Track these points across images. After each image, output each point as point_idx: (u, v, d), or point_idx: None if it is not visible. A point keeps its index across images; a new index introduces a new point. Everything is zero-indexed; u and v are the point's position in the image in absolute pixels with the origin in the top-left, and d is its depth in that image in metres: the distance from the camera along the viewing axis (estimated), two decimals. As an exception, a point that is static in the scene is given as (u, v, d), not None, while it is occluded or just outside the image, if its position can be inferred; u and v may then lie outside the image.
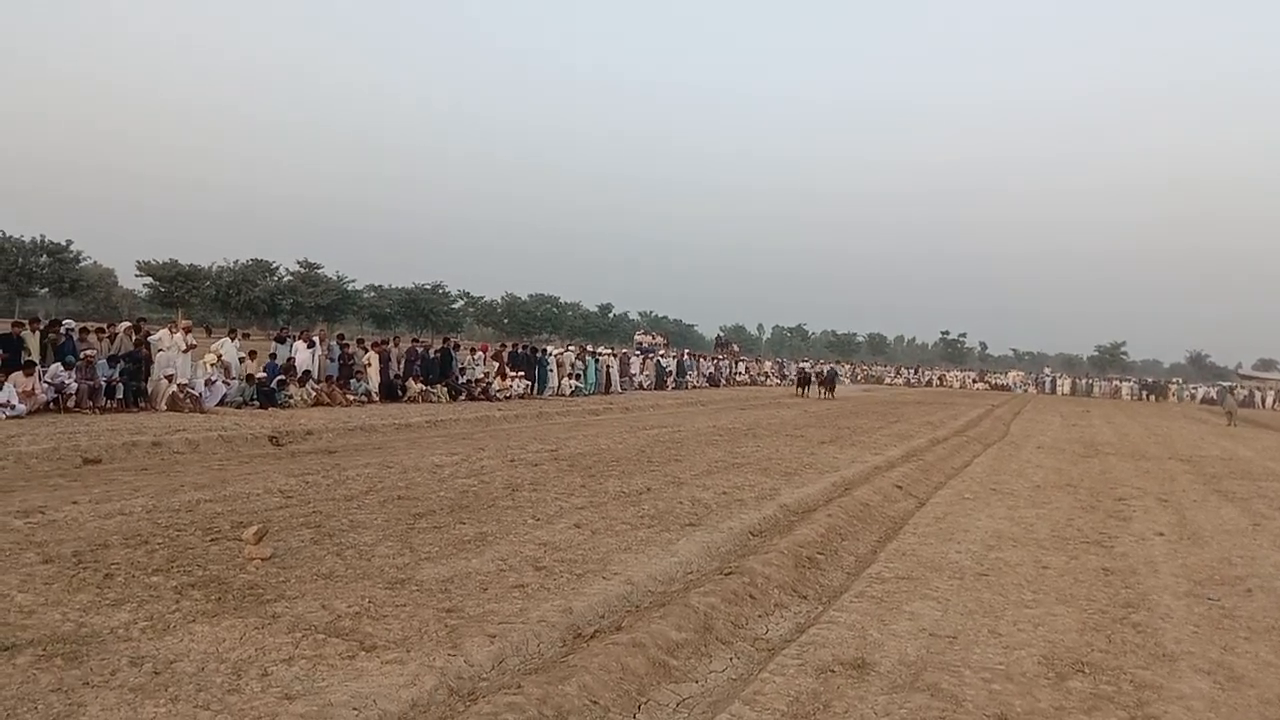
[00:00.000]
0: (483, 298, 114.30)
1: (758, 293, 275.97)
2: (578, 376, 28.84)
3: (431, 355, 23.09)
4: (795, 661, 5.11)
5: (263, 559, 6.18)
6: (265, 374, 18.00)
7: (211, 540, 6.70)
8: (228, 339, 18.89)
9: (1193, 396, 67.74)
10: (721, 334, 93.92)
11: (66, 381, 14.51)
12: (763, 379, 52.14)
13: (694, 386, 39.45)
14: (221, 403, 16.65)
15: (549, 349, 30.62)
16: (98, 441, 11.28)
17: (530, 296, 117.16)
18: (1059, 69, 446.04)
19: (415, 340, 24.20)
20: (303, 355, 19.24)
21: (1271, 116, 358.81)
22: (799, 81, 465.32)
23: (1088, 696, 4.83)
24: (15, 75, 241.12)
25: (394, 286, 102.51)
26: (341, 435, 14.51)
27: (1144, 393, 67.21)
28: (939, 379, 73.15)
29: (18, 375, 13.73)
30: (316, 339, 20.23)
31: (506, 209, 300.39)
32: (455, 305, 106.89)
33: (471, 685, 4.43)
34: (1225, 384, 63.39)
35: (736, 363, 52.99)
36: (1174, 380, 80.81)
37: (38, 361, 14.53)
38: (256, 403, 17.19)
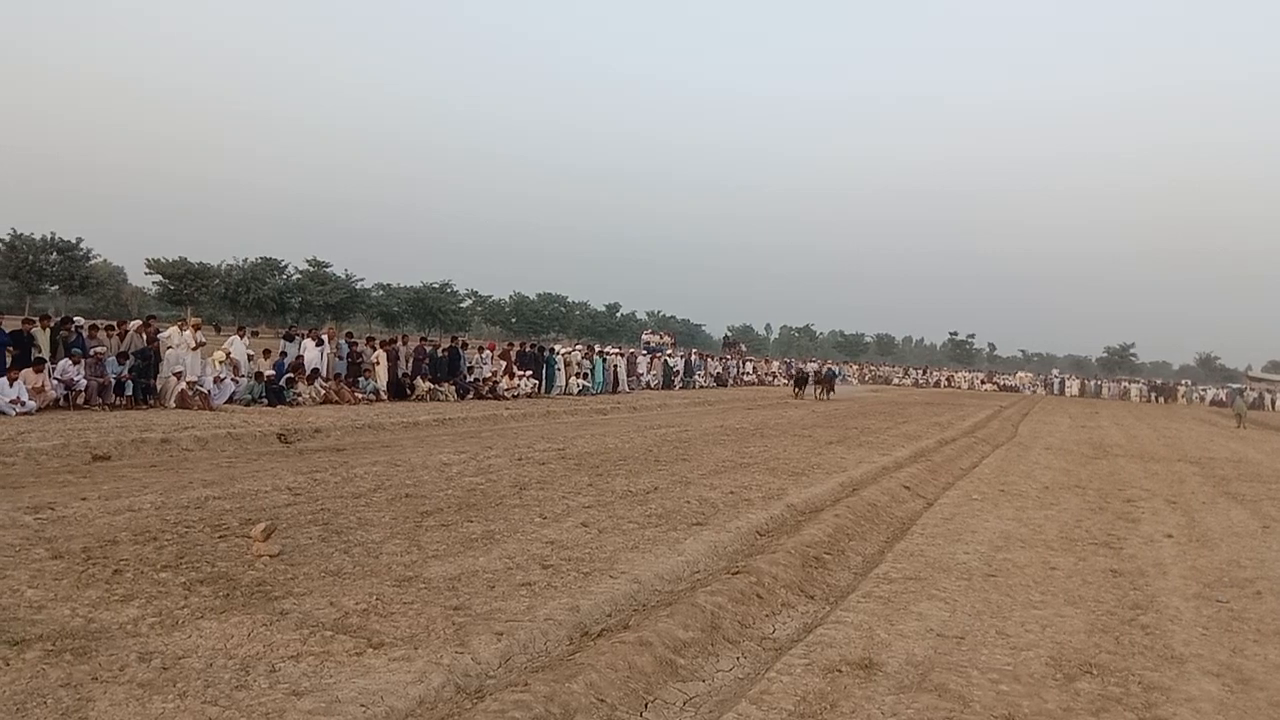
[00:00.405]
0: (491, 297, 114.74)
1: (766, 293, 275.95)
2: (585, 376, 28.87)
3: (439, 354, 23.14)
4: (802, 661, 5.11)
5: (271, 556, 6.19)
6: (274, 372, 18.07)
7: (220, 537, 6.72)
8: (236, 337, 18.98)
9: (1202, 398, 67.36)
10: (729, 334, 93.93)
11: (76, 378, 14.59)
12: (770, 379, 52.09)
13: (701, 386, 39.44)
14: (230, 400, 16.72)
15: (556, 348, 30.66)
16: (107, 438, 11.34)
17: (538, 296, 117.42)
18: (1072, 69, 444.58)
19: (423, 339, 24.28)
20: (311, 353, 19.31)
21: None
22: (810, 81, 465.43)
23: (1096, 698, 4.81)
24: (26, 73, 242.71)
25: (402, 285, 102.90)
26: (349, 433, 14.54)
27: (1153, 394, 66.88)
28: (947, 380, 72.90)
29: (28, 372, 13.81)
30: (325, 337, 20.32)
31: (515, 208, 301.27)
32: (463, 304, 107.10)
33: (479, 683, 4.43)
34: (1235, 386, 63.06)
35: (744, 363, 52.94)
36: (1183, 382, 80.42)
37: (48, 358, 14.62)
38: (265, 400, 17.27)
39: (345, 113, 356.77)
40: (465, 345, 25.30)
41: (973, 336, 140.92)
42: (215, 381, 16.57)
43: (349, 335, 22.77)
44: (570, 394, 27.10)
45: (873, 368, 79.09)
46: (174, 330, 17.12)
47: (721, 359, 50.56)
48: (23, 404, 13.31)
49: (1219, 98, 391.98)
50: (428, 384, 21.60)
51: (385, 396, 20.46)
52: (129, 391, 15.52)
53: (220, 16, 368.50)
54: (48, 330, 15.50)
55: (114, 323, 18.22)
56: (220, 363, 17.13)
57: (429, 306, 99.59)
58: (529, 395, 24.82)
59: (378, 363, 20.88)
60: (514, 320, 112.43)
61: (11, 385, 13.36)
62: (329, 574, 5.95)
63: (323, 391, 18.49)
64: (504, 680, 4.48)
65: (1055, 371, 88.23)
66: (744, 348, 74.20)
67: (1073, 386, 70.52)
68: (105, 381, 15.12)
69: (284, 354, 19.06)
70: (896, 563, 7.79)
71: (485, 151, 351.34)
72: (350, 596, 5.47)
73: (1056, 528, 9.92)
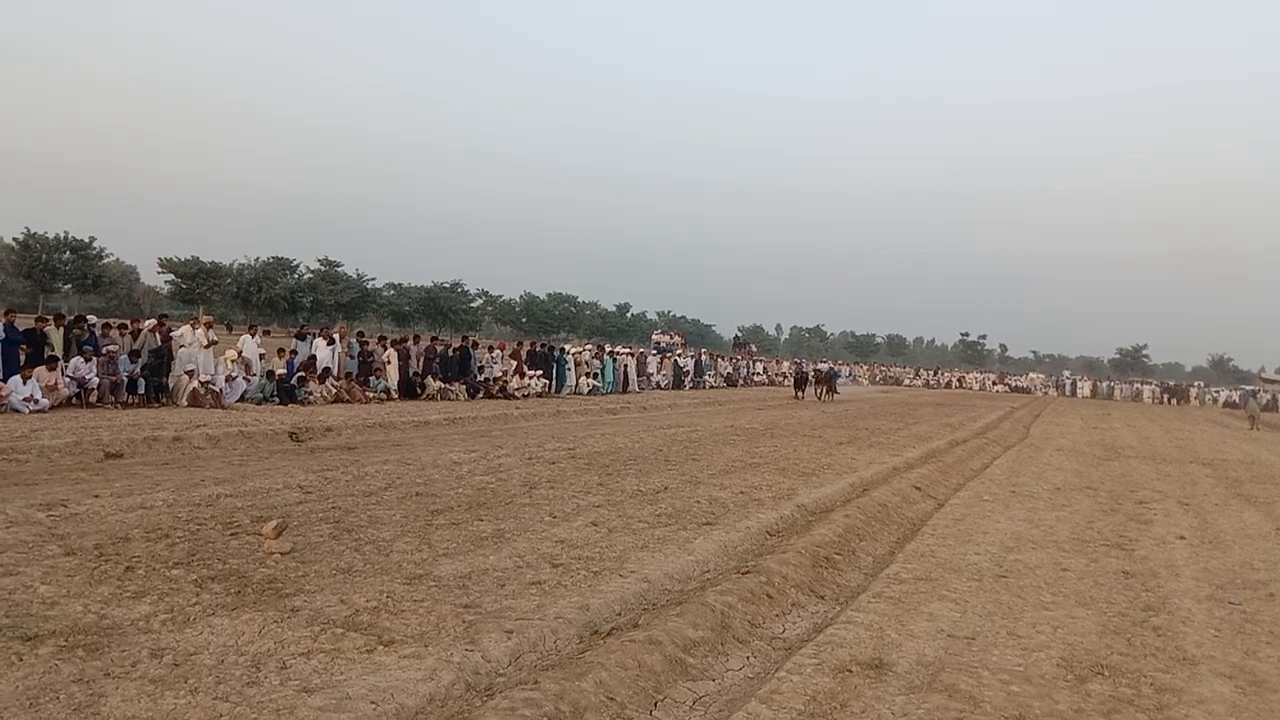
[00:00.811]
0: (501, 296, 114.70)
1: (776, 293, 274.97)
2: (595, 375, 28.89)
3: (450, 353, 23.20)
4: (812, 661, 5.10)
5: (282, 553, 6.22)
6: (285, 370, 18.15)
7: (231, 534, 6.75)
8: (248, 335, 19.07)
9: (1215, 400, 66.90)
10: (739, 334, 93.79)
11: (88, 376, 14.69)
12: (780, 379, 52.00)
13: (711, 386, 39.41)
14: (242, 399, 16.80)
15: (567, 348, 30.69)
16: (119, 436, 11.40)
17: (548, 295, 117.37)
18: (1082, 68, 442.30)
19: (434, 338, 24.32)
20: (323, 352, 19.40)
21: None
22: (819, 81, 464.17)
23: (1107, 699, 4.79)
24: (39, 74, 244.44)
25: (413, 285, 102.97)
26: (360, 432, 14.59)
27: (1165, 396, 66.46)
28: (958, 380, 72.61)
29: (41, 370, 13.91)
30: (336, 336, 20.40)
31: (525, 208, 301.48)
32: (474, 304, 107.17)
33: (489, 680, 4.44)
34: (1248, 388, 62.58)
35: (754, 363, 52.90)
36: (1195, 383, 79.86)
37: (61, 357, 14.72)
38: (276, 399, 17.34)
39: (357, 113, 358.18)
40: (476, 345, 25.34)
41: (984, 337, 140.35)
42: (227, 380, 16.65)
43: (360, 334, 22.86)
44: (580, 394, 27.12)
45: (883, 368, 78.86)
46: (186, 329, 17.19)
47: (732, 359, 50.55)
48: (36, 402, 13.40)
49: (1219, 98, 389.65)
50: (438, 383, 21.65)
51: (396, 395, 20.52)
52: (141, 390, 15.61)
53: (231, 17, 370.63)
54: (61, 328, 15.61)
55: (126, 321, 18.32)
56: (232, 361, 17.21)
57: (440, 306, 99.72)
58: (539, 395, 24.85)
59: (389, 362, 20.95)
60: (524, 320, 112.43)
61: (25, 383, 13.46)
62: (340, 571, 5.97)
63: (334, 390, 18.56)
64: (514, 678, 4.49)
65: (1067, 373, 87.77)
66: (754, 348, 74.16)
67: (1084, 388, 70.17)
68: (118, 379, 15.21)
69: (295, 353, 19.15)
70: (907, 563, 7.77)
71: (496, 152, 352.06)
72: (361, 594, 5.49)
73: (1068, 529, 9.87)
